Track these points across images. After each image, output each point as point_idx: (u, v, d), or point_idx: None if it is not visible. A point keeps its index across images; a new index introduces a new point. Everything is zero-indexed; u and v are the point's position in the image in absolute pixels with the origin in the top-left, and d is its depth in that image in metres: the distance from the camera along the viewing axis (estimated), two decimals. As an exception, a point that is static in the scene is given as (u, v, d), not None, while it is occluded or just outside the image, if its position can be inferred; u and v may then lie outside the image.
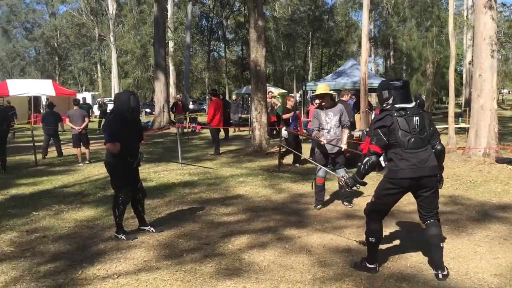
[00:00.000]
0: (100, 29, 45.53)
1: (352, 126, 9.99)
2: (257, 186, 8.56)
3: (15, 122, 20.30)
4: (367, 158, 4.14)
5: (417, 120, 4.05)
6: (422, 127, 4.06)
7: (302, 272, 4.35)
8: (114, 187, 5.53)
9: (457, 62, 21.82)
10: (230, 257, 4.77)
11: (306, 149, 11.52)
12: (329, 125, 6.67)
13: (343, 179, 4.57)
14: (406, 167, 4.00)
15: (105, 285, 4.12)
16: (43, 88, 27.22)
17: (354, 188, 4.78)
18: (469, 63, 29.51)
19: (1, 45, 59.52)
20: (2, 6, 58.14)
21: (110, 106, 29.85)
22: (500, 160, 10.31)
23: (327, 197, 7.13)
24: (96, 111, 29.21)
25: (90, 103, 31.26)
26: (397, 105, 4.07)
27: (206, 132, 17.85)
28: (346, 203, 6.97)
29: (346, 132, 6.81)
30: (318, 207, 6.74)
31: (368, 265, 4.32)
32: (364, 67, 14.69)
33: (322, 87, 6.83)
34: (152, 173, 9.83)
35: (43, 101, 29.19)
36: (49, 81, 30.14)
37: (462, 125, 16.04)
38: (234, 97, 26.80)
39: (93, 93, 45.01)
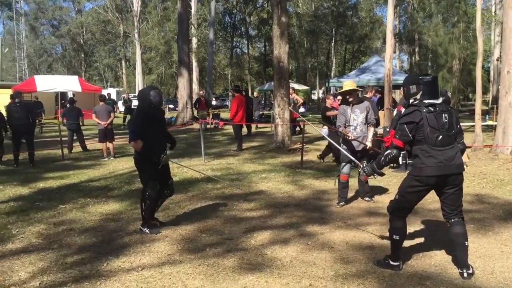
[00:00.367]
0: (125, 26, 46.12)
1: (376, 123, 9.92)
2: (279, 182, 8.57)
3: (42, 117, 20.73)
4: (388, 151, 4.12)
5: (445, 117, 3.99)
6: (450, 125, 4.00)
7: (325, 268, 4.34)
8: (142, 182, 5.63)
9: (484, 58, 21.37)
10: (253, 252, 4.79)
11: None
12: (355, 122, 6.64)
13: (362, 165, 4.60)
14: (432, 165, 3.94)
15: (129, 277, 4.19)
16: (69, 84, 27.69)
17: (372, 177, 4.76)
18: (497, 60, 28.88)
19: (29, 41, 60.71)
20: (30, 4, 59.29)
21: (134, 102, 30.23)
22: (528, 159, 10.07)
23: (350, 194, 7.09)
24: (120, 106, 29.58)
25: (115, 99, 31.66)
26: (426, 101, 4.01)
27: (229, 128, 17.91)
28: (367, 199, 6.94)
29: (371, 130, 6.76)
30: (341, 203, 6.71)
31: (391, 262, 4.28)
32: (388, 64, 14.51)
33: (348, 84, 6.80)
34: (175, 168, 9.90)
35: (69, 96, 29.69)
36: (75, 77, 30.63)
37: (489, 122, 15.73)
38: (255, 93, 26.78)
39: (118, 89, 45.57)
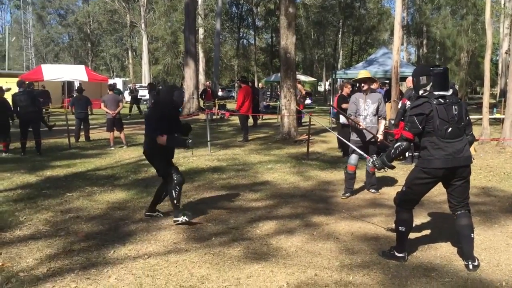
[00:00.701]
0: (132, 15, 46.02)
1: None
2: (285, 173, 8.58)
3: (49, 106, 20.80)
4: (398, 143, 4.10)
5: (455, 109, 3.95)
6: (460, 117, 3.97)
7: (330, 259, 4.35)
8: (162, 174, 5.49)
9: (493, 51, 21.20)
10: (258, 242, 4.81)
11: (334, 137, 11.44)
12: (366, 112, 6.63)
13: (372, 159, 4.58)
14: (441, 157, 3.92)
15: (136, 265, 4.22)
16: (76, 73, 27.75)
17: (382, 170, 4.74)
18: (506, 53, 28.59)
19: (36, 31, 60.76)
20: (37, -7, 59.33)
21: (141, 92, 30.27)
22: (535, 152, 10.02)
23: (356, 186, 7.08)
24: (127, 96, 29.63)
25: (121, 89, 31.71)
26: (436, 92, 3.98)
27: (235, 119, 17.91)
28: (372, 190, 6.94)
29: (383, 122, 6.75)
30: (346, 195, 6.71)
31: (396, 253, 4.29)
32: (396, 56, 14.41)
33: (363, 73, 6.89)
34: (181, 158, 9.94)
35: (76, 86, 29.78)
36: (82, 67, 30.69)
37: (497, 115, 15.64)
38: (260, 84, 26.68)
39: (124, 79, 45.65)
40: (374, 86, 10.25)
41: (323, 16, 42.65)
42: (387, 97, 14.89)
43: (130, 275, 4.00)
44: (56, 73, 27.09)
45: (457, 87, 26.90)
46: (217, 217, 5.73)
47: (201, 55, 35.16)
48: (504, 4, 29.85)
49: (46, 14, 61.28)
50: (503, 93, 21.16)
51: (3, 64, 47.60)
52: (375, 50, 33.36)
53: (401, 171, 8.26)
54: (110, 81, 27.06)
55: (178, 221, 5.30)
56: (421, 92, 4.07)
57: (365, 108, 6.64)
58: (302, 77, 32.46)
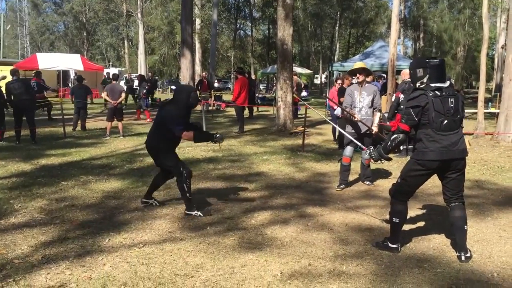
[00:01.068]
0: (128, 5, 45.65)
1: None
2: (280, 164, 8.60)
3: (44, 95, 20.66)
4: (395, 136, 4.12)
5: (452, 101, 3.96)
6: (456, 109, 3.98)
7: (324, 249, 4.38)
8: (170, 168, 5.47)
9: (489, 46, 21.23)
10: (253, 232, 4.83)
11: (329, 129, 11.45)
12: (361, 104, 6.64)
13: (369, 151, 4.59)
14: (435, 149, 3.95)
15: (131, 253, 4.24)
16: (71, 62, 27.58)
17: (379, 162, 4.77)
18: (502, 47, 28.61)
19: (31, 19, 60.31)
20: (32, -20, 58.81)
21: (136, 82, 30.11)
22: (529, 147, 10.08)
23: (351, 178, 7.11)
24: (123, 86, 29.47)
25: (116, 79, 31.50)
26: (432, 84, 3.99)
27: (231, 110, 17.90)
28: (367, 183, 6.98)
29: (378, 115, 6.76)
30: (341, 186, 6.74)
31: (390, 244, 4.32)
32: (393, 49, 14.43)
33: (358, 64, 6.93)
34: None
35: (72, 75, 29.60)
36: (78, 56, 30.52)
37: (492, 110, 15.70)
38: (253, 76, 26.63)
39: (119, 68, 45.40)
40: (369, 79, 10.29)
41: (321, 8, 42.48)
42: (383, 90, 14.92)
43: (125, 263, 4.02)
44: (51, 62, 26.91)
45: (453, 81, 26.99)
46: (212, 207, 5.75)
47: (197, 45, 34.98)
48: (501, -2, 29.83)
49: (41, 2, 60.73)
50: (499, 87, 21.23)
51: (-2, 52, 47.26)
52: (372, 43, 33.31)
53: (395, 164, 8.30)
54: (113, 71, 26.87)
55: (191, 214, 5.32)
56: (418, 84, 4.09)
57: (360, 100, 6.65)
58: (298, 69, 32.41)
